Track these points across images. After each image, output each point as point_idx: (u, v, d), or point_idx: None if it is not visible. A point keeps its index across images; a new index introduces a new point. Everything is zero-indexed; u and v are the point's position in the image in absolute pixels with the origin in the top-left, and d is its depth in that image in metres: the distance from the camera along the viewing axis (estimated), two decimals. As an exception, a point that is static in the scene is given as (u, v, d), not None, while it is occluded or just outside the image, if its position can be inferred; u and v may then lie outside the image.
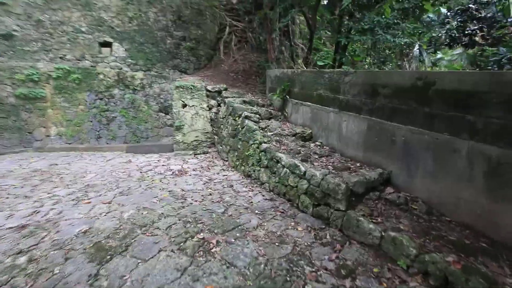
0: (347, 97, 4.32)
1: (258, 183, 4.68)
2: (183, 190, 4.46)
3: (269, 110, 6.44)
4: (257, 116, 5.85)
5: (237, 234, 3.02)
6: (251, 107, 6.44)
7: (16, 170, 5.60)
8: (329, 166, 3.84)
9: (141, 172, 5.47)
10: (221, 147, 6.71)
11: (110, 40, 9.84)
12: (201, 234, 3.05)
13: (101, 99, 8.86)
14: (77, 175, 5.28)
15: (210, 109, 7.28)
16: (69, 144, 8.72)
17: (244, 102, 6.87)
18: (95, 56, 9.75)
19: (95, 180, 4.96)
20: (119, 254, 2.68)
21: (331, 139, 4.74)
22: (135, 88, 8.90)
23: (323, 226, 3.22)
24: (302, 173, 3.67)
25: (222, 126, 6.72)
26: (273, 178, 4.29)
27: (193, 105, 7.08)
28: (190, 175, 5.32)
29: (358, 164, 3.94)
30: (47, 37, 9.53)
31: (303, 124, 5.61)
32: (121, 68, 9.78)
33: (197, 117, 7.11)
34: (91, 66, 9.53)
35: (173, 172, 5.51)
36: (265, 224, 3.27)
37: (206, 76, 9.48)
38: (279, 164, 4.18)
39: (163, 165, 6.01)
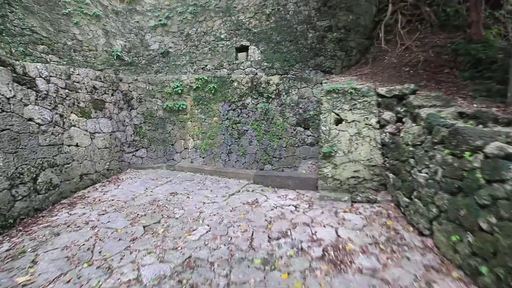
0: None
1: None
2: None
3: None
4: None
5: None
6: (490, 128, 2.90)
7: (138, 198, 4.66)
8: None
9: (269, 239, 3.17)
10: (406, 199, 3.52)
11: (247, 43, 8.56)
12: None
13: (233, 109, 7.58)
14: (187, 224, 3.61)
15: (381, 126, 4.22)
16: (202, 158, 7.99)
17: (461, 115, 3.38)
18: (232, 63, 8.75)
19: (202, 245, 3.06)
20: None
21: None
22: (269, 95, 7.04)
23: None
24: None
25: (410, 160, 3.52)
26: None
27: (353, 120, 4.25)
28: (360, 271, 2.52)
29: None
30: (193, 49, 9.34)
31: None
32: (255, 74, 8.30)
33: (358, 139, 4.22)
34: (228, 74, 8.57)
35: (323, 250, 2.89)
36: None
37: (363, 75, 6.44)
38: None
39: (304, 223, 3.52)
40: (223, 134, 7.74)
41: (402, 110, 4.01)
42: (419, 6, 7.88)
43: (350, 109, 4.27)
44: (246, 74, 8.23)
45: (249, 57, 8.49)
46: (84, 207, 4.32)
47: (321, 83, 6.30)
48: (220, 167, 6.26)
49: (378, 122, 4.21)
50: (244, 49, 8.64)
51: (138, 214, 3.93)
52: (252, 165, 7.47)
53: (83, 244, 3.11)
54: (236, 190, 4.86)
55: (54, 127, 4.89)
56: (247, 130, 7.46)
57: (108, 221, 3.72)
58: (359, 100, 4.24)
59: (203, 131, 7.98)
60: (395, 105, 4.12)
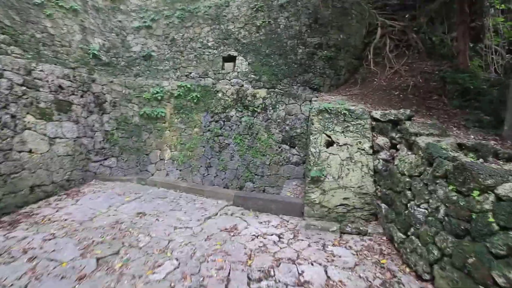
0: None
1: None
2: None
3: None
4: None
5: None
6: (490, 162, 2.68)
7: (98, 218, 3.98)
8: None
9: (249, 280, 2.68)
10: (401, 235, 3.20)
11: (235, 53, 8.23)
12: None
13: (216, 121, 7.12)
14: (152, 256, 3.02)
15: (375, 152, 3.94)
16: (179, 170, 7.38)
17: (460, 146, 3.17)
18: (218, 72, 8.35)
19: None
20: None
21: None
22: (255, 109, 6.68)
23: None
24: None
25: (407, 191, 3.22)
26: None
27: (345, 144, 3.95)
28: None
29: None
30: (177, 55, 8.86)
31: None
32: (242, 85, 7.94)
33: (350, 164, 3.91)
34: (212, 84, 8.15)
35: (312, 298, 2.44)
36: None
37: (352, 94, 6.29)
38: None
39: (289, 259, 3.06)
40: (203, 147, 7.23)
41: (397, 136, 3.76)
42: (406, 32, 8.04)
43: (343, 132, 3.97)
44: (232, 85, 7.85)
45: (236, 67, 8.14)
46: (27, 228, 3.59)
47: (310, 101, 6.05)
48: (197, 185, 5.70)
49: (372, 147, 3.93)
50: (231, 59, 8.30)
51: (93, 241, 3.28)
52: (233, 182, 6.98)
53: (12, 285, 2.43)
54: (213, 213, 4.33)
55: (2, 129, 4.15)
56: (229, 144, 7.00)
57: (53, 250, 3.04)
58: (352, 123, 3.96)
59: (182, 142, 7.42)
60: (389, 130, 3.88)
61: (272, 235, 3.67)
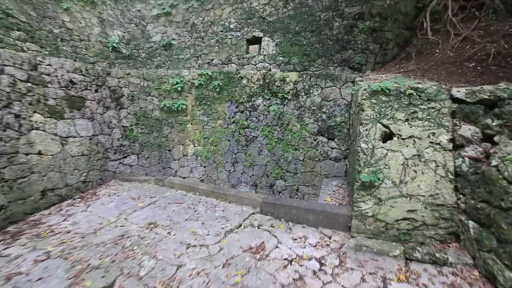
0: None
1: None
2: None
3: None
4: None
5: None
6: None
7: (104, 230, 3.42)
8: None
9: None
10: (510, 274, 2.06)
11: (260, 34, 7.22)
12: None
13: (241, 111, 6.28)
14: (153, 292, 2.32)
15: (457, 147, 2.76)
16: (204, 167, 6.77)
17: None
18: (242, 57, 7.44)
19: None
20: None
21: None
22: (285, 96, 5.68)
23: None
24: None
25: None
26: None
27: (410, 136, 2.82)
28: None
29: None
30: (198, 41, 8.11)
31: None
32: (269, 69, 6.95)
33: (418, 164, 2.79)
34: (236, 70, 7.28)
35: None
36: None
37: (406, 71, 4.97)
38: None
39: (336, 307, 2.14)
40: (229, 140, 6.48)
41: (494, 124, 2.54)
42: (475, -11, 6.27)
43: (407, 119, 2.84)
44: (257, 70, 6.91)
45: (262, 50, 7.15)
46: (26, 243, 3.13)
47: (352, 82, 4.89)
48: (218, 187, 4.94)
49: (452, 140, 2.75)
50: (256, 41, 7.32)
51: (88, 265, 2.67)
52: (261, 179, 6.16)
53: (-31, 337, 1.87)
54: (236, 225, 3.52)
55: (5, 130, 3.75)
56: (256, 137, 6.15)
57: (39, 278, 2.48)
58: (421, 107, 2.80)
59: (205, 136, 6.75)
60: (481, 115, 2.65)
61: (310, 259, 2.75)
